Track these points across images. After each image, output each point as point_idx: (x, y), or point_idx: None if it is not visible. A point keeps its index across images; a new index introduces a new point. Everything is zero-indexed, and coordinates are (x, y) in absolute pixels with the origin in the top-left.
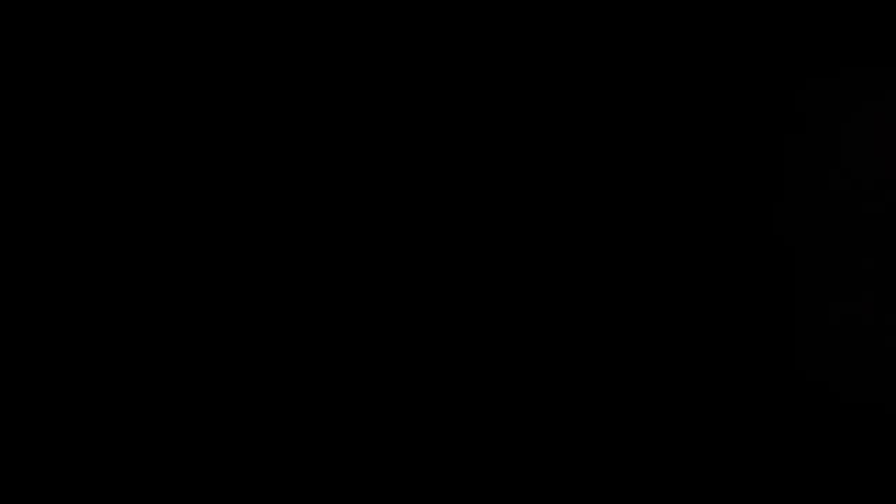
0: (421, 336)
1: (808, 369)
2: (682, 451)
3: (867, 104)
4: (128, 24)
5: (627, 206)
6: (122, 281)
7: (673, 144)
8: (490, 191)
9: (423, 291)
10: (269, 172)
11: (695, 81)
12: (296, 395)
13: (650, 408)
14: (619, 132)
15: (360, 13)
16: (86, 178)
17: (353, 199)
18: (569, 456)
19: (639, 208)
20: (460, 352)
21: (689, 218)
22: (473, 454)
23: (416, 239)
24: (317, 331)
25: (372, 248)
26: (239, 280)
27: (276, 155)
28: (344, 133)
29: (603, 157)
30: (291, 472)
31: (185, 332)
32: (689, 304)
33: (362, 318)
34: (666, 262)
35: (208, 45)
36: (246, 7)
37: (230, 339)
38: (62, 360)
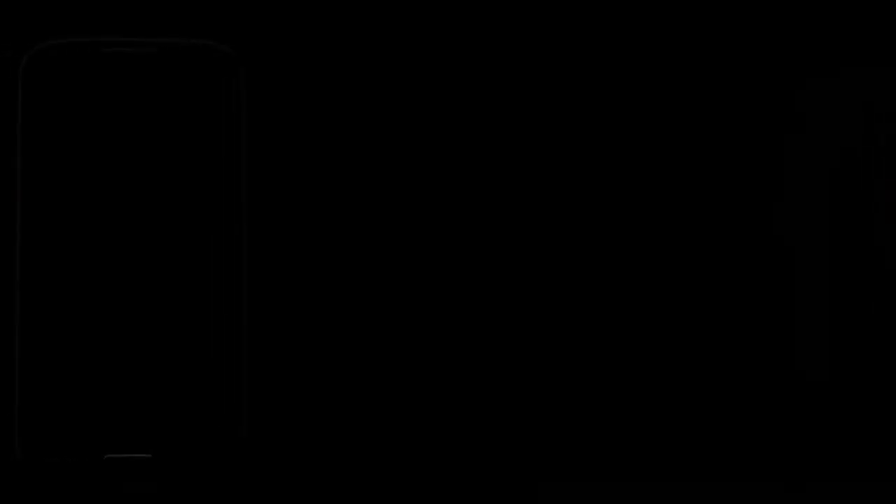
0: (421, 335)
1: (807, 370)
2: (682, 450)
3: (867, 104)
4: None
5: (626, 206)
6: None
7: (672, 144)
8: (489, 191)
9: (423, 291)
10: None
11: (694, 81)
12: (295, 393)
13: (649, 407)
14: (618, 132)
15: (360, 13)
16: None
17: (353, 199)
18: (567, 454)
19: (637, 208)
20: (460, 351)
21: (689, 218)
22: (472, 453)
23: (416, 238)
24: (314, 328)
25: (371, 248)
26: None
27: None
28: (344, 132)
29: (602, 157)
30: (291, 471)
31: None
32: (688, 304)
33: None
34: (665, 261)
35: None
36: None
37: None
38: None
